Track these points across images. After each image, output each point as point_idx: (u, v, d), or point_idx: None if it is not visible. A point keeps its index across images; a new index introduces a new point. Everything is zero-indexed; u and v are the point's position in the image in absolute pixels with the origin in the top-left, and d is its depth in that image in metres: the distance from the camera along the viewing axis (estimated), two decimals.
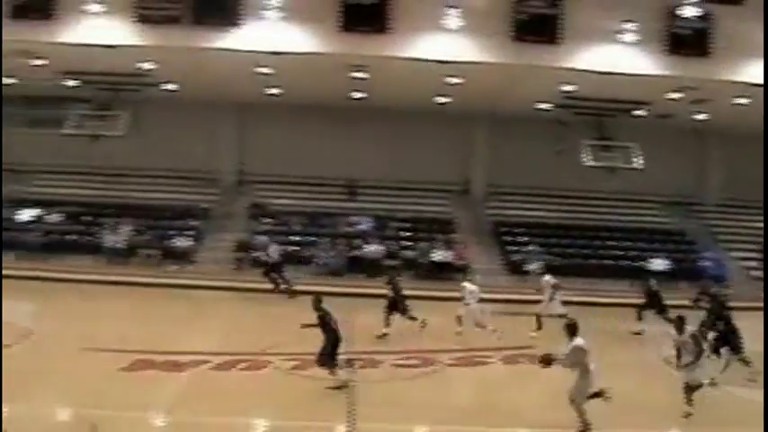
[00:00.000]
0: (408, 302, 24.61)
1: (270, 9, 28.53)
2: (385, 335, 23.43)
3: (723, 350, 20.05)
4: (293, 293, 30.04)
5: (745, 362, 19.85)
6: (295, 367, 20.37)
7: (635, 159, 36.52)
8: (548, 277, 26.24)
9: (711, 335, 20.25)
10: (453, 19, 28.82)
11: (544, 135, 38.40)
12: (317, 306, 18.22)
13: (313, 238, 36.82)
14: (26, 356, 20.68)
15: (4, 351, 20.73)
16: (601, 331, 22.47)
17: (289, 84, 34.96)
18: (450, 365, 20.98)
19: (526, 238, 37.79)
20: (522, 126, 39.55)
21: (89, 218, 38.36)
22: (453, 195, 41.70)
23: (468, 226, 39.34)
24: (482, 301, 24.48)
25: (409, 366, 18.98)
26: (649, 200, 41.66)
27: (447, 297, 28.91)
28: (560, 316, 23.64)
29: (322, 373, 19.33)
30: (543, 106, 36.48)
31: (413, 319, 24.08)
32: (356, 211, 39.09)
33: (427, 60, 29.58)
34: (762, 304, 27.78)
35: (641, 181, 39.25)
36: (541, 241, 37.36)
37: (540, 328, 24.56)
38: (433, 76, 31.19)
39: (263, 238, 34.50)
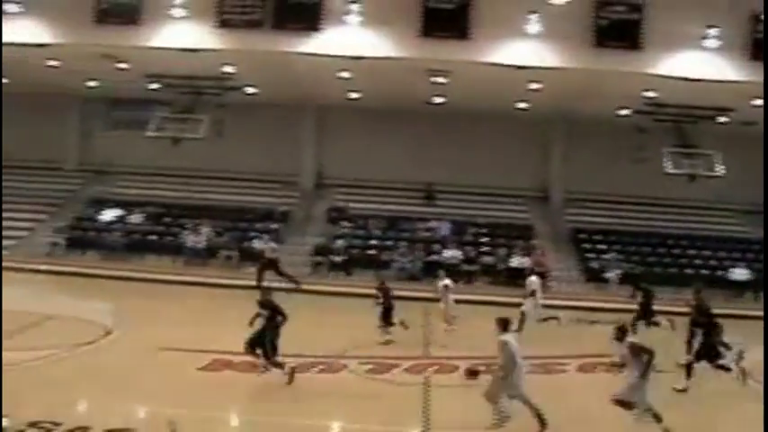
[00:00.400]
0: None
1: (350, 14, 28.61)
2: (388, 342, 23.40)
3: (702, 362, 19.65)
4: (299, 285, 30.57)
5: (724, 368, 19.53)
6: (371, 370, 20.41)
7: (716, 167, 35.90)
8: (533, 278, 26.57)
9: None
10: (534, 24, 28.67)
11: (623, 141, 37.95)
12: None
13: (391, 243, 36.82)
14: (106, 354, 21.01)
15: (85, 348, 21.11)
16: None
17: (369, 88, 35.08)
18: (526, 372, 20.86)
19: (605, 246, 37.40)
20: (601, 132, 39.19)
21: (170, 219, 38.87)
22: (532, 201, 41.48)
23: (546, 232, 39.10)
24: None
25: (486, 372, 18.87)
26: (731, 208, 41.07)
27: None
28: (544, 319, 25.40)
29: (399, 377, 19.40)
30: (623, 112, 36.10)
31: (391, 324, 23.92)
32: (434, 216, 39.04)
33: (507, 66, 29.47)
34: None
35: (722, 189, 38.65)
36: (620, 249, 36.96)
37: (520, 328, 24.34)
38: (513, 81, 31.07)
39: (265, 237, 34.64)
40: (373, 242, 37.13)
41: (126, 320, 25.05)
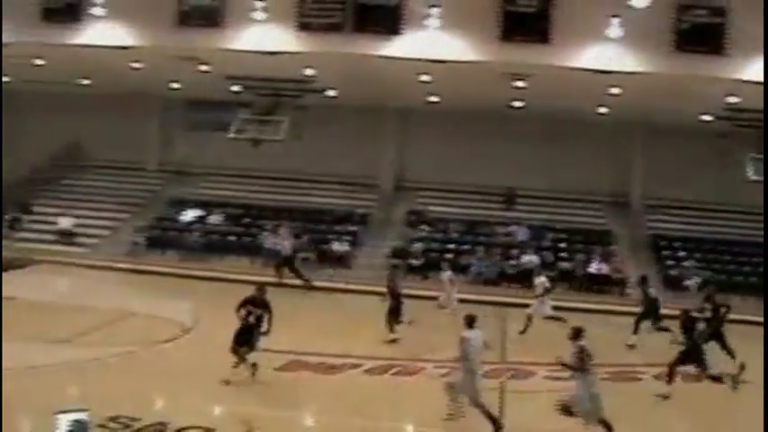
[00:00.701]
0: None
1: (430, 17, 28.61)
2: (394, 341, 23.50)
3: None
4: (310, 287, 31.56)
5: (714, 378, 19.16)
6: (447, 374, 20.40)
7: None
8: (542, 279, 26.63)
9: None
10: (615, 28, 28.41)
11: (704, 147, 37.45)
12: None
13: (469, 247, 36.73)
14: (184, 352, 21.27)
15: (164, 346, 21.40)
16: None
17: (448, 91, 35.03)
18: (603, 379, 20.71)
19: (684, 253, 36.87)
20: (681, 138, 38.59)
21: (249, 220, 39.17)
22: (611, 207, 41.05)
23: (625, 238, 38.67)
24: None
25: (562, 379, 18.76)
26: None
27: (603, 310, 28.65)
28: (550, 318, 25.34)
29: None
30: (705, 118, 35.61)
31: (398, 323, 24.37)
32: (513, 221, 38.87)
33: (587, 70, 29.26)
34: None
35: None
36: (700, 256, 36.45)
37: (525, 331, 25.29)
38: (593, 85, 30.80)
39: (283, 231, 34.74)
40: (451, 246, 37.03)
41: (204, 319, 25.35)
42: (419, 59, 29.52)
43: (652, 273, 35.07)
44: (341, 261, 35.55)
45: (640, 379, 21.10)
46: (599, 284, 33.91)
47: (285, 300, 26.76)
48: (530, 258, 34.97)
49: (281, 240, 33.84)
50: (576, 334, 15.98)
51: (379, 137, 42.59)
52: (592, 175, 40.49)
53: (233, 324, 23.54)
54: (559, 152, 40.18)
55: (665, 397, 18.90)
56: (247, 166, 41.07)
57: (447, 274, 27.83)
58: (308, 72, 33.55)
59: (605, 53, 28.83)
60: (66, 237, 37.70)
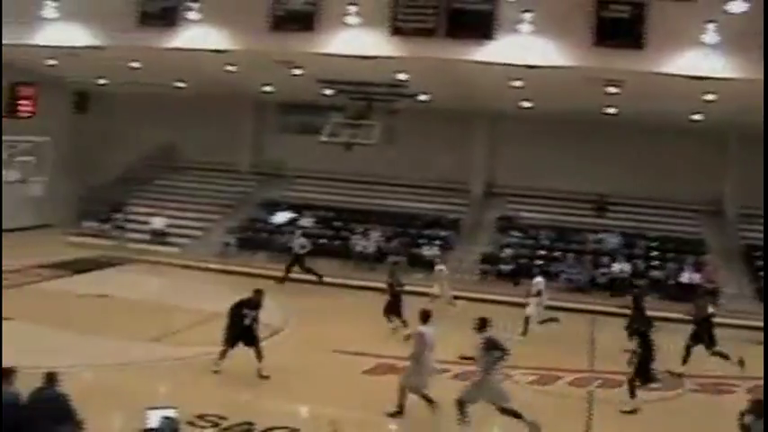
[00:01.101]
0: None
1: (523, 22, 28.44)
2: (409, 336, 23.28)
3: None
4: (321, 281, 32.22)
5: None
6: (534, 381, 20.30)
7: None
8: (539, 279, 27.23)
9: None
10: (710, 34, 27.94)
11: None
12: None
13: (559, 254, 36.47)
14: (273, 353, 21.36)
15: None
16: None
17: (540, 97, 34.82)
18: (694, 391, 20.42)
19: None
20: None
21: (340, 223, 39.35)
22: (704, 215, 40.34)
23: (718, 248, 37.92)
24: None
25: (652, 389, 18.55)
26: None
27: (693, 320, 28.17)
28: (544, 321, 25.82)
29: (563, 389, 19.24)
30: None
31: (398, 317, 24.99)
32: (604, 228, 38.46)
33: (682, 76, 28.83)
34: None
35: None
36: None
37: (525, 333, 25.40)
38: (687, 92, 30.30)
39: (297, 233, 35.09)
40: (541, 252, 36.82)
41: (294, 321, 25.57)
42: (511, 65, 29.34)
43: (744, 283, 34.55)
44: (430, 265, 35.49)
45: (733, 392, 20.70)
46: (690, 294, 33.36)
47: (374, 303, 26.89)
48: (621, 266, 34.60)
49: (294, 239, 34.40)
50: (482, 325, 16.41)
51: (471, 142, 42.52)
52: (685, 183, 39.86)
53: (322, 326, 23.75)
54: (652, 159, 39.63)
55: (631, 412, 18.34)
56: (339, 169, 41.27)
57: (442, 268, 30.45)
58: (401, 76, 33.58)
59: (700, 59, 28.38)
60: (159, 236, 38.29)
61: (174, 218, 39.49)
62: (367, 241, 36.22)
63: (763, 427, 12.99)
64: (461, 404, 15.96)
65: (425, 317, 17.57)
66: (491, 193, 42.52)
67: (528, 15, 28.03)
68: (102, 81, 41.50)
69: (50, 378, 13.27)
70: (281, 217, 39.39)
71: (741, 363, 21.41)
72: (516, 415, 15.79)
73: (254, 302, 19.94)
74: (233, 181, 44.42)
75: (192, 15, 30.83)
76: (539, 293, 26.53)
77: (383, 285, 27.13)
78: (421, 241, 37.21)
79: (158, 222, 38.89)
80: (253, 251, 37.31)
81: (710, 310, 23.20)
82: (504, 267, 34.95)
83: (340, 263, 35.95)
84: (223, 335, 19.62)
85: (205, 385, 18.50)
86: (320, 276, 32.71)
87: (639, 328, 20.91)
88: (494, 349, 15.79)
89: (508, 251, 36.01)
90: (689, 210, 39.93)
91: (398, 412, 17.03)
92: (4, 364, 13.44)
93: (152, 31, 31.88)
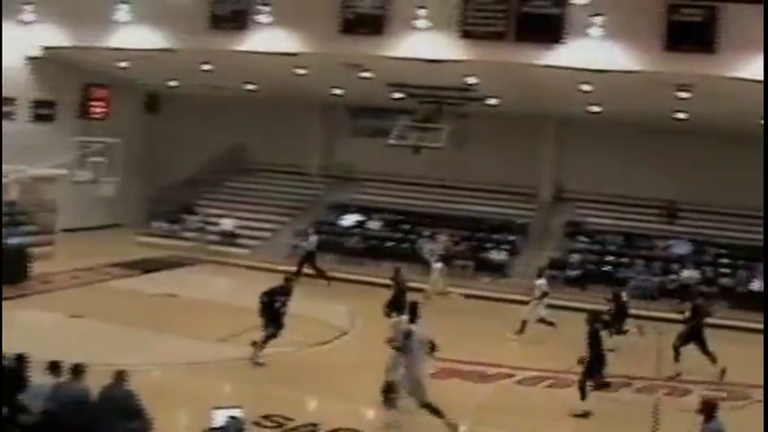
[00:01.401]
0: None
1: (593, 26, 28.26)
2: None
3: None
4: (329, 280, 32.35)
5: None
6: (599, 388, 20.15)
7: None
8: (542, 281, 26.90)
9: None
10: None
11: None
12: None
13: (627, 260, 36.16)
14: (339, 354, 21.57)
15: (320, 347, 21.71)
16: None
17: (610, 101, 34.54)
18: (760, 401, 20.16)
19: None
20: None
21: (408, 226, 39.38)
22: None
23: None
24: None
25: (720, 399, 18.30)
26: None
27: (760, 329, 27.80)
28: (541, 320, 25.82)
29: (629, 396, 19.10)
30: None
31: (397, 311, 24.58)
32: (673, 234, 38.02)
33: (754, 81, 28.44)
34: None
35: None
36: None
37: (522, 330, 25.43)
38: (759, 97, 29.94)
39: (309, 231, 35.39)
40: (610, 258, 36.53)
41: (360, 322, 25.66)
42: (580, 69, 29.19)
43: None
44: (498, 270, 35.43)
45: None
46: (761, 302, 32.89)
47: (441, 307, 26.90)
48: (690, 274, 34.21)
49: (306, 237, 34.81)
50: (390, 310, 17.83)
51: (539, 146, 42.33)
52: (756, 190, 39.10)
53: (387, 329, 23.72)
54: (722, 165, 38.99)
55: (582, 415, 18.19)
56: (407, 172, 41.29)
57: (438, 266, 31.56)
58: (470, 80, 33.55)
59: None
60: (228, 238, 38.59)
61: (244, 219, 39.74)
62: (434, 245, 36.18)
63: (719, 429, 12.92)
64: (389, 388, 16.66)
65: (413, 313, 17.37)
66: (559, 198, 42.26)
67: (598, 19, 27.89)
68: (173, 83, 41.97)
69: (119, 376, 13.47)
70: (350, 220, 39.56)
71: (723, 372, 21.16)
72: (436, 411, 15.80)
73: (285, 289, 21.11)
74: (302, 183, 44.63)
75: (262, 18, 31.15)
76: (543, 295, 26.38)
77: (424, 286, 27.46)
78: (488, 245, 37.09)
79: (228, 224, 39.21)
80: (321, 253, 37.42)
81: None
82: (572, 273, 34.73)
83: (407, 266, 35.93)
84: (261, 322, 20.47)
85: (271, 386, 18.63)
86: (328, 278, 32.68)
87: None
88: (414, 339, 16.22)
89: (575, 256, 35.81)
90: (760, 217, 39.28)
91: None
92: (76, 360, 13.68)
93: (222, 34, 32.28)
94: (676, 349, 22.10)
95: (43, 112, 38.91)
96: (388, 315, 24.91)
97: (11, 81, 36.53)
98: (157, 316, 23.14)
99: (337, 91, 39.69)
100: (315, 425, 15.86)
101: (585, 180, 40.76)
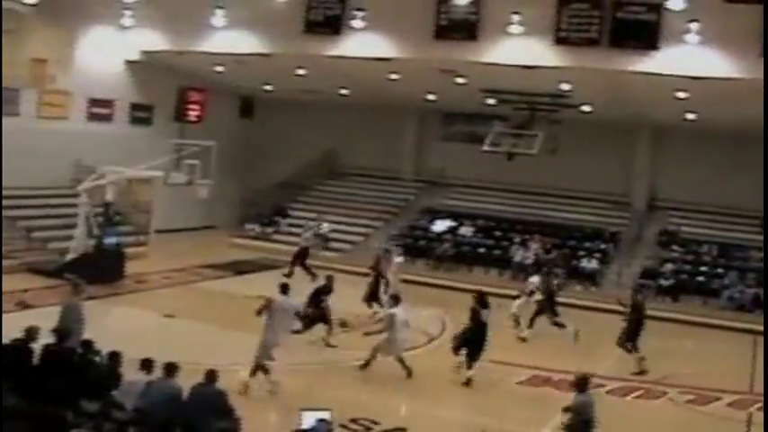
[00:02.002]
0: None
1: (690, 33, 27.86)
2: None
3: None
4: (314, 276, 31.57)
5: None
6: (692, 401, 19.89)
7: None
8: (535, 278, 27.69)
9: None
10: None
11: None
12: None
13: (722, 270, 35.54)
14: (428, 360, 21.58)
15: (410, 353, 21.71)
16: None
17: (705, 109, 34.04)
18: None
19: None
20: None
21: (499, 233, 39.24)
22: None
23: None
24: None
25: None
26: None
27: None
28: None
29: (721, 410, 18.83)
30: None
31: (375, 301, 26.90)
32: None
33: None
34: None
35: None
36: None
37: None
38: None
39: (306, 225, 36.18)
40: (703, 268, 35.94)
41: (451, 328, 25.59)
42: (676, 75, 28.82)
43: None
44: (589, 278, 35.11)
45: None
46: None
47: (528, 314, 26.77)
48: None
49: (303, 232, 35.35)
50: (283, 290, 19.09)
51: (633, 154, 41.86)
52: None
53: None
54: None
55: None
56: (500, 178, 41.14)
57: (398, 260, 31.15)
58: (564, 86, 33.37)
59: None
60: (321, 241, 38.78)
61: (336, 223, 39.93)
62: (526, 252, 36.01)
63: (587, 401, 13.95)
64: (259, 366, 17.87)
65: (396, 300, 20.80)
66: (653, 207, 41.75)
67: (694, 25, 27.48)
68: (267, 87, 42.40)
69: (210, 375, 13.64)
70: (441, 225, 39.53)
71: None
72: (263, 370, 17.80)
73: (328, 288, 23.06)
74: (395, 188, 44.74)
75: (356, 23, 31.30)
76: (531, 293, 26.76)
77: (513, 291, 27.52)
78: (580, 253, 36.78)
79: (322, 227, 39.37)
80: (412, 258, 37.46)
81: None
82: (664, 282, 34.24)
83: (498, 273, 35.84)
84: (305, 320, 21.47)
85: (359, 389, 18.73)
86: (314, 275, 32.63)
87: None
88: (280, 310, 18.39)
89: (669, 266, 35.27)
90: None
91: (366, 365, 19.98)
92: (168, 359, 13.89)
93: (317, 39, 32.52)
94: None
95: (141, 114, 39.73)
96: (369, 306, 25.34)
97: (110, 84, 37.44)
98: (249, 317, 23.30)
99: (431, 96, 39.77)
100: (402, 429, 15.90)
101: (680, 188, 40.20)
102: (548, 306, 25.21)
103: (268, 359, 17.90)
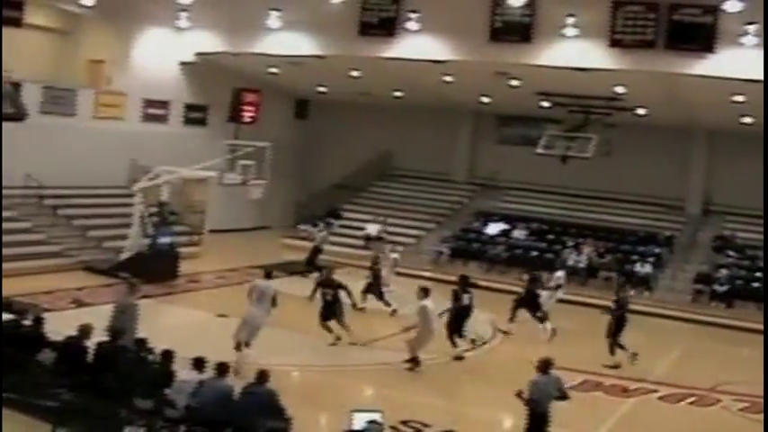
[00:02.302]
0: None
1: (747, 35, 27.52)
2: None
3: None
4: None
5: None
6: (744, 409, 19.68)
7: None
8: (560, 273, 28.92)
9: None
10: None
11: None
12: None
13: None
14: (481, 363, 21.65)
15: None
16: None
17: (762, 113, 33.67)
18: None
19: None
20: None
21: (552, 236, 39.08)
22: None
23: None
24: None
25: None
26: None
27: None
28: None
29: None
30: None
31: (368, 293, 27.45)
32: None
33: None
34: None
35: None
36: None
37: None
38: None
39: (320, 225, 37.20)
40: (758, 274, 35.47)
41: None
42: (733, 79, 28.51)
43: None
44: (642, 282, 34.81)
45: None
46: None
47: (584, 318, 26.66)
48: None
49: (316, 232, 36.00)
50: (267, 276, 20.33)
51: (688, 157, 41.43)
52: None
53: (530, 339, 23.73)
54: None
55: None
56: (553, 181, 41.00)
57: (394, 256, 31.60)
58: (619, 89, 33.18)
59: None
60: (373, 242, 38.84)
61: (389, 225, 39.95)
62: (579, 255, 35.83)
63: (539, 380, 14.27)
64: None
65: (426, 292, 20.71)
66: (707, 211, 41.33)
67: (751, 28, 27.17)
68: (321, 89, 42.54)
69: (261, 375, 13.72)
70: (495, 228, 39.40)
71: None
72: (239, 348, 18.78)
73: (328, 281, 23.46)
74: (448, 190, 44.70)
75: (410, 25, 31.35)
76: (558, 287, 27.69)
77: (584, 298, 27.52)
78: (633, 257, 36.50)
79: (372, 229, 39.44)
80: (464, 261, 37.42)
81: None
82: (719, 288, 33.88)
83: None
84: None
85: (411, 391, 18.74)
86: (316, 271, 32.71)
87: None
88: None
89: (723, 271, 34.88)
90: None
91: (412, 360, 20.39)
92: (219, 358, 14.00)
93: (371, 41, 32.64)
94: None
95: (195, 115, 40.10)
96: (363, 299, 26.37)
97: (165, 86, 37.80)
98: (299, 318, 23.43)
99: (485, 99, 39.74)
100: None
101: (736, 193, 39.71)
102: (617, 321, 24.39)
103: (248, 338, 19.08)
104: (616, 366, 22.04)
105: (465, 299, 22.24)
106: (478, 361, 22.38)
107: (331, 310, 22.58)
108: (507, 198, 43.01)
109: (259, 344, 20.04)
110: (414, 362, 20.25)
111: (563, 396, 14.43)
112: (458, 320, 22.10)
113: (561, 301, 28.08)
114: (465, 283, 22.71)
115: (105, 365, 14.56)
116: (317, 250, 34.04)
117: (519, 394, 13.99)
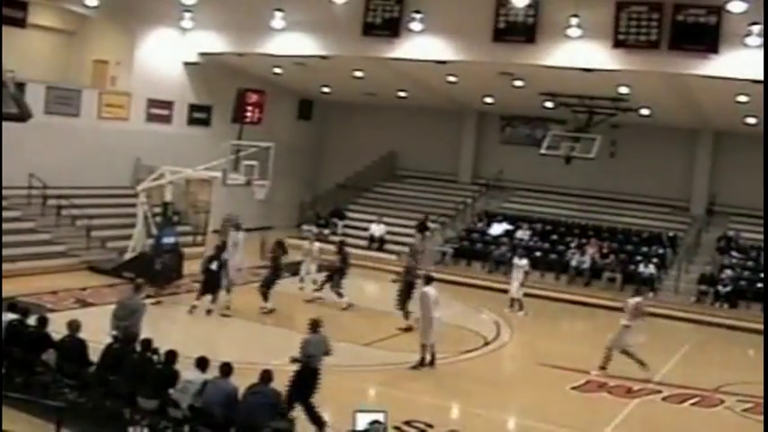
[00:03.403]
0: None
1: (751, 35, 27.46)
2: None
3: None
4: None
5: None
6: (748, 410, 19.67)
7: None
8: (524, 261, 29.98)
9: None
10: None
11: None
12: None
13: None
14: (484, 364, 21.58)
15: (465, 356, 21.75)
16: None
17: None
18: None
19: None
20: None
21: (556, 237, 39.04)
22: None
23: None
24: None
25: None
26: None
27: None
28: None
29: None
30: None
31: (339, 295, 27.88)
32: None
33: None
34: None
35: None
36: None
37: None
38: None
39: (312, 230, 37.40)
40: (762, 275, 35.39)
41: (505, 332, 25.57)
42: (737, 79, 28.48)
43: None
44: (646, 283, 34.76)
45: None
46: None
47: (587, 318, 26.65)
48: None
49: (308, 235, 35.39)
50: (236, 227, 22.63)
51: (692, 158, 41.34)
52: None
53: (534, 339, 23.74)
54: None
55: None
56: (557, 182, 40.97)
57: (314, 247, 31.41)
58: (623, 90, 33.18)
59: None
60: (377, 243, 38.85)
61: (393, 225, 39.97)
62: (582, 256, 35.82)
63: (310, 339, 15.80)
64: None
65: (429, 280, 21.45)
66: (712, 212, 41.24)
67: (755, 28, 27.12)
68: (325, 89, 42.56)
69: (266, 376, 13.74)
70: (498, 228, 39.39)
71: None
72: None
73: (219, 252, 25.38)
74: (452, 190, 44.61)
75: (414, 26, 31.33)
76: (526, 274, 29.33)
77: (597, 300, 27.28)
78: (637, 258, 36.45)
79: (376, 229, 39.45)
80: (468, 261, 37.42)
81: None
82: (723, 289, 33.84)
83: (554, 277, 35.67)
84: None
85: (414, 392, 18.75)
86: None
87: None
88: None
89: (727, 272, 34.84)
90: None
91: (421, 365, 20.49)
92: (223, 358, 14.02)
93: (375, 42, 32.67)
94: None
95: (199, 116, 40.11)
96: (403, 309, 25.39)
97: (169, 86, 37.82)
98: (303, 318, 23.47)
99: (489, 99, 39.73)
100: None
101: (740, 194, 39.61)
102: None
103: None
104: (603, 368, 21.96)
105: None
106: (482, 362, 22.38)
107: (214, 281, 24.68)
108: (511, 198, 42.96)
109: (259, 344, 20.14)
110: (422, 362, 20.37)
111: (327, 352, 15.84)
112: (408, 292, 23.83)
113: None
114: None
115: (110, 365, 14.60)
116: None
117: (293, 360, 15.38)
